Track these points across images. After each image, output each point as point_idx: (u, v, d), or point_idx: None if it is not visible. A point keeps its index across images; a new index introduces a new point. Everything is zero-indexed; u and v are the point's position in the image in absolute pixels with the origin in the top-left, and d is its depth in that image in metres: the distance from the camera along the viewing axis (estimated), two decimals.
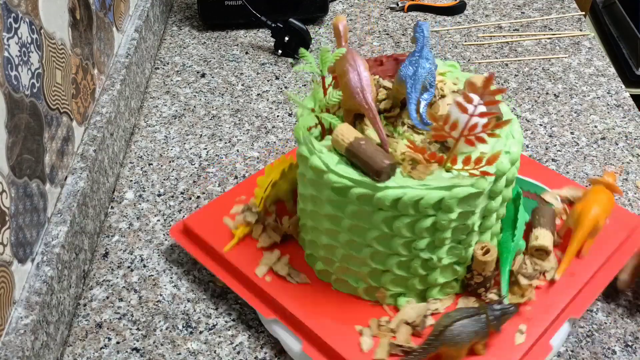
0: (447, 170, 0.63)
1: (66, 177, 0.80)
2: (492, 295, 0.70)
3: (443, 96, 0.70)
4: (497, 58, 1.17)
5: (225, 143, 0.99)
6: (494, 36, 1.23)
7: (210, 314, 0.76)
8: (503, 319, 0.66)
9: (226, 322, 0.75)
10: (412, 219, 0.63)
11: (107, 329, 0.74)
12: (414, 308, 0.69)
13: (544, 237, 0.72)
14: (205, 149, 0.99)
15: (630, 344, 0.72)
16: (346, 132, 0.64)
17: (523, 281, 0.70)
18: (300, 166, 0.69)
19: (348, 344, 0.67)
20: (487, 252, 0.68)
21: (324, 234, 0.70)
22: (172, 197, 0.91)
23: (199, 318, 0.76)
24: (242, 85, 1.11)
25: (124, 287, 0.79)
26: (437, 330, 0.65)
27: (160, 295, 0.78)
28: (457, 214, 0.63)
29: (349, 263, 0.69)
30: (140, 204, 0.90)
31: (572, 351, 0.72)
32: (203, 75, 1.14)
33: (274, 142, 1.00)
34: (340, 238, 0.68)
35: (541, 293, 0.71)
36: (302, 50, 0.66)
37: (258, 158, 0.97)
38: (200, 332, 0.74)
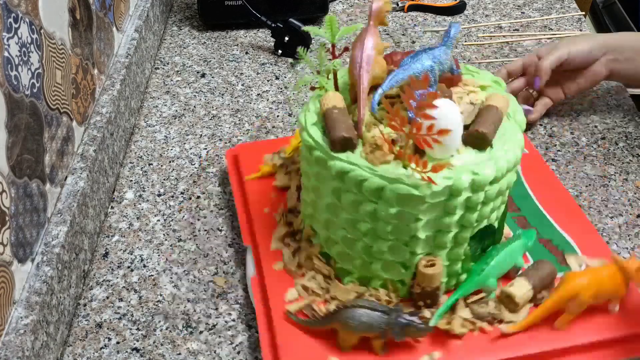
0: (404, 167, 0.62)
1: (66, 177, 0.80)
2: (426, 313, 0.66)
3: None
4: (497, 58, 1.17)
5: (225, 143, 0.99)
6: (494, 36, 1.23)
7: (210, 314, 0.76)
8: (407, 331, 0.63)
9: (226, 322, 0.75)
10: (356, 198, 0.64)
11: (107, 329, 0.74)
12: (341, 289, 0.70)
13: (519, 287, 0.67)
14: (205, 149, 0.99)
15: None
16: (330, 99, 0.65)
17: (463, 312, 0.67)
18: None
19: (276, 293, 0.72)
20: (431, 265, 0.66)
21: (313, 199, 0.72)
22: (172, 197, 0.91)
23: (199, 318, 0.76)
24: (242, 85, 1.11)
25: (124, 287, 0.79)
26: (338, 307, 0.65)
27: (160, 295, 0.78)
28: (397, 211, 0.63)
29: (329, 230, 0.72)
30: (140, 204, 0.90)
31: None
32: (203, 75, 1.14)
33: None
34: (322, 203, 0.70)
35: (483, 338, 0.66)
36: (300, 50, 0.69)
37: None
38: (200, 332, 0.74)
